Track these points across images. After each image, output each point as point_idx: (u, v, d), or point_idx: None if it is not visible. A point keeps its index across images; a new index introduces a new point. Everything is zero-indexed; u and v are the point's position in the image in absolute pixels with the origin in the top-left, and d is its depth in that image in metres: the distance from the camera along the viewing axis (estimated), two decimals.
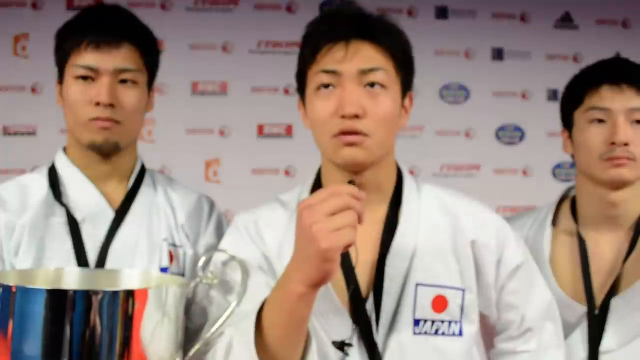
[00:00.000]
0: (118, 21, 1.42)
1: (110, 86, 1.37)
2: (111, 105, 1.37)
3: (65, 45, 1.41)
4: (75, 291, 1.02)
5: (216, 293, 1.27)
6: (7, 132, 3.42)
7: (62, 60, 1.42)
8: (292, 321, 1.11)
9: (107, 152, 1.43)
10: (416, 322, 1.25)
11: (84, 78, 1.38)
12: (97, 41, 1.37)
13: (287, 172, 3.58)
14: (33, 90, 3.40)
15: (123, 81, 1.40)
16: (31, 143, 3.37)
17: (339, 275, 1.20)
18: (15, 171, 2.92)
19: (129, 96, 1.40)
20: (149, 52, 1.45)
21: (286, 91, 3.55)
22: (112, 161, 1.45)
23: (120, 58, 1.39)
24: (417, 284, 1.25)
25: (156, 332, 1.07)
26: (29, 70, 3.34)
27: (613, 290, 1.50)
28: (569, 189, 1.66)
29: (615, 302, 1.49)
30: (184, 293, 1.17)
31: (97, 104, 1.37)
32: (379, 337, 1.23)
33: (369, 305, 1.24)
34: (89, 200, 1.43)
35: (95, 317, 1.01)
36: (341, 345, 1.21)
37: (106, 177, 1.46)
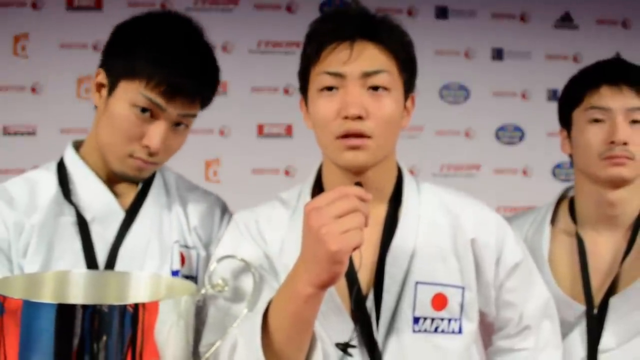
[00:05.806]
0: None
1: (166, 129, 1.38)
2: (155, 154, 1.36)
3: None
4: (83, 306, 0.99)
5: (227, 300, 1.26)
6: (7, 132, 3.42)
7: None
8: (299, 322, 1.11)
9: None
10: (416, 320, 1.25)
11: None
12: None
13: (287, 172, 3.58)
14: (33, 90, 3.39)
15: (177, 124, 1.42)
16: (31, 143, 3.37)
17: None
18: (15, 171, 2.89)
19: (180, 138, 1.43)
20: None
21: (286, 91, 3.56)
22: None
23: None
24: (417, 282, 1.25)
25: (167, 342, 1.05)
26: (29, 70, 3.33)
27: (612, 290, 1.51)
28: (568, 189, 1.67)
29: (614, 302, 1.50)
30: (195, 302, 1.15)
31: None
32: (379, 336, 1.23)
33: (369, 304, 1.24)
34: (99, 199, 1.38)
35: (103, 331, 0.99)
36: (345, 347, 1.21)
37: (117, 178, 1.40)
